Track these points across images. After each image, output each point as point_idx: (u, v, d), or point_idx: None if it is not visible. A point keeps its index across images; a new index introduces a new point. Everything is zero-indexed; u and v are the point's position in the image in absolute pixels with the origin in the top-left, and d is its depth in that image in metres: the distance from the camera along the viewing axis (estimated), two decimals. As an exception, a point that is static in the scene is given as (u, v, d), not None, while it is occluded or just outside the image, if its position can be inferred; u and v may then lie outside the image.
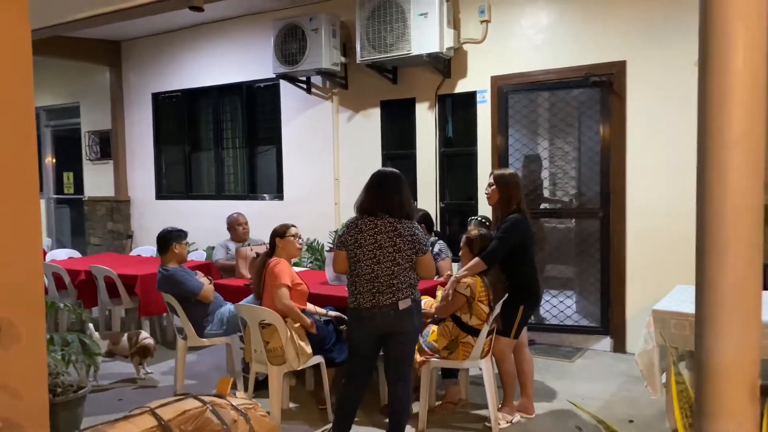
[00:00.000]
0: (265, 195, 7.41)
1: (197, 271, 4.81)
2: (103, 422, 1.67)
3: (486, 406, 3.85)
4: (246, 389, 4.16)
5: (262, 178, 7.55)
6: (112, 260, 6.36)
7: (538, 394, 4.23)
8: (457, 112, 6.08)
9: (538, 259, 4.36)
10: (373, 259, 3.21)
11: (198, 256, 6.68)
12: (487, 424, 3.84)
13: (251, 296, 4.23)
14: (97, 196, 8.76)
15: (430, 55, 5.56)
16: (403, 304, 3.23)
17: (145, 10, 3.60)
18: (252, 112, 7.46)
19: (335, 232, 6.38)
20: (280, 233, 4.09)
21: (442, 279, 4.33)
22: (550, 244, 5.87)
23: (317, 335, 3.93)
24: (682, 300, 3.58)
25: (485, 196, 4.08)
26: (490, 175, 4.06)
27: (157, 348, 4.88)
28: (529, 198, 5.38)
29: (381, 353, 3.42)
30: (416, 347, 3.62)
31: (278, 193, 7.24)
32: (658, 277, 4.85)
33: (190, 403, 1.58)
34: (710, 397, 1.08)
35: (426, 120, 6.11)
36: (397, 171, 3.42)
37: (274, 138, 7.24)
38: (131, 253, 7.41)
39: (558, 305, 5.57)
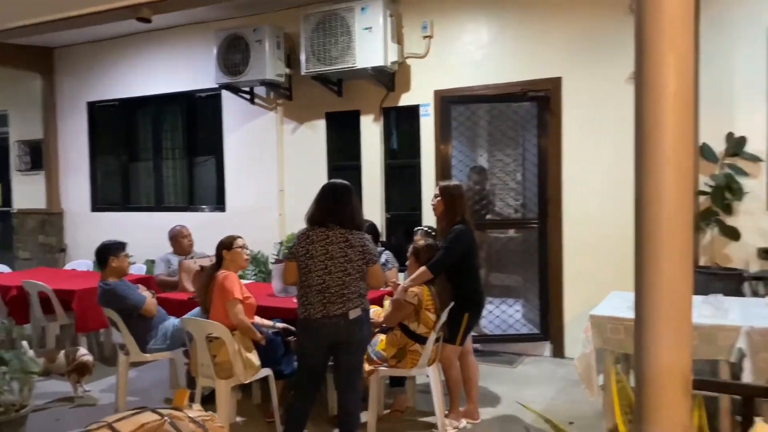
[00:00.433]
0: (205, 207, 7.30)
1: (139, 285, 4.69)
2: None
3: (433, 413, 3.93)
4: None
5: (203, 190, 7.44)
6: (46, 275, 6.10)
7: (483, 399, 4.34)
8: (402, 124, 6.19)
9: (482, 268, 4.49)
10: (324, 269, 3.25)
11: (137, 269, 6.49)
12: (434, 430, 3.92)
13: (196, 309, 4.17)
14: (28, 209, 8.39)
15: (374, 68, 5.66)
16: (353, 314, 3.27)
17: (91, 20, 3.53)
18: (193, 122, 7.36)
19: (280, 243, 6.36)
20: (227, 245, 4.05)
21: (389, 289, 4.40)
22: (493, 253, 6.04)
23: (266, 348, 3.91)
24: (617, 305, 3.78)
25: (431, 207, 4.19)
26: (436, 187, 4.17)
27: (96, 365, 4.72)
28: (474, 208, 5.54)
29: (330, 363, 3.45)
30: (365, 356, 3.66)
31: (220, 205, 7.16)
32: (594, 283, 5.06)
33: (148, 416, 1.57)
34: (650, 393, 1.17)
35: (371, 132, 6.19)
36: (347, 183, 3.47)
37: (215, 148, 7.15)
38: (65, 267, 7.13)
39: (501, 314, 5.73)
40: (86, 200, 8.04)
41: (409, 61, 5.94)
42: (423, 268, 3.86)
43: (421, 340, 3.79)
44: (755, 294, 4.53)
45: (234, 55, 6.20)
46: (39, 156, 8.23)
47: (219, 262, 4.06)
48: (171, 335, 4.39)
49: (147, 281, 5.46)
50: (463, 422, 4.04)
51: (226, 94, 6.79)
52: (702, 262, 4.90)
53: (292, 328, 3.98)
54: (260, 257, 6.51)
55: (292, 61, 6.31)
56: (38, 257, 8.27)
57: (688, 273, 1.23)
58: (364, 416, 3.85)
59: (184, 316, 4.06)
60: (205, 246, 5.48)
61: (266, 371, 3.94)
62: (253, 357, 3.86)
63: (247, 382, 3.90)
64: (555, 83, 5.38)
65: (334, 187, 3.43)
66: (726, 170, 4.75)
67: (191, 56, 7.04)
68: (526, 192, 5.80)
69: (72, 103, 8.04)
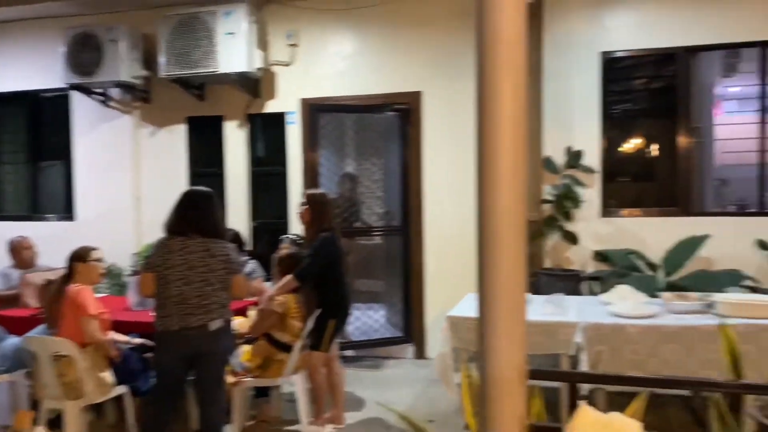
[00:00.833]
0: (51, 215, 6.74)
1: (-28, 302, 4.25)
2: None
3: (299, 421, 3.94)
4: (35, 430, 3.76)
5: (48, 197, 6.86)
6: None
7: (348, 404, 4.42)
8: (267, 131, 6.13)
9: (349, 274, 4.56)
10: (183, 279, 3.14)
11: (-30, 285, 5.84)
12: (300, 438, 3.93)
13: (41, 327, 3.85)
14: None
15: (238, 74, 5.57)
16: (214, 325, 3.20)
17: None
18: (37, 123, 6.78)
19: (138, 254, 6.02)
20: (81, 257, 3.78)
21: (254, 299, 4.35)
22: (360, 260, 6.17)
23: (122, 364, 3.70)
24: (472, 306, 4.02)
25: (298, 215, 4.20)
26: (303, 195, 4.19)
27: None
28: (344, 216, 5.63)
29: (190, 377, 3.34)
30: (228, 369, 3.59)
31: (68, 213, 6.65)
32: (453, 287, 5.29)
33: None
34: (490, 384, 1.29)
35: (236, 138, 6.08)
36: (209, 190, 3.38)
37: (64, 153, 6.64)
38: None
39: (367, 320, 5.86)
40: None
41: (274, 69, 5.92)
42: (288, 277, 3.87)
43: (287, 348, 3.78)
44: (591, 293, 5.03)
45: (85, 54, 5.81)
46: None
47: (70, 275, 3.78)
48: (11, 356, 4.01)
49: (-19, 298, 4.94)
50: (329, 428, 4.08)
51: (76, 96, 6.33)
52: (547, 264, 5.36)
53: (151, 343, 3.80)
54: (114, 269, 6.12)
55: (150, 63, 6.04)
56: None
57: (522, 274, 1.36)
58: (228, 429, 3.77)
59: (26, 335, 3.73)
60: (50, 259, 5.06)
61: (122, 389, 3.73)
62: (107, 375, 3.64)
63: (99, 401, 3.66)
64: (415, 96, 5.62)
65: (194, 195, 3.34)
66: (566, 181, 5.23)
67: (38, 53, 6.49)
68: (390, 200, 5.99)
69: None
